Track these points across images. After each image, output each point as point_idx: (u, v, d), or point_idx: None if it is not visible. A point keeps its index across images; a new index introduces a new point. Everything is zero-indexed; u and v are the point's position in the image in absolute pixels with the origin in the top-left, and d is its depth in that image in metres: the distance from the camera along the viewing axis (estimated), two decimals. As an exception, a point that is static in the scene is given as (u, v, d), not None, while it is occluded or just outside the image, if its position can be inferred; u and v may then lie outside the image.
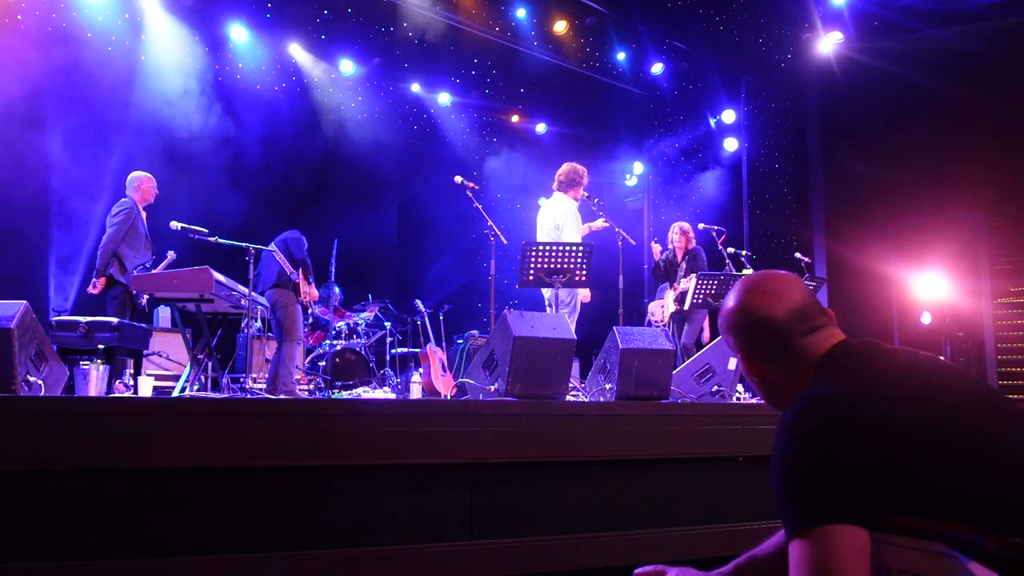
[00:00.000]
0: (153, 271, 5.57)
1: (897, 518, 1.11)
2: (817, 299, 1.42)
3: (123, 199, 6.04)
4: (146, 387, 4.22)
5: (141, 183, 6.12)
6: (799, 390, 1.34)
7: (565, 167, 6.14)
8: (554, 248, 5.21)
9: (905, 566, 1.11)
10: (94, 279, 5.76)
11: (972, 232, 8.61)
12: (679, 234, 7.11)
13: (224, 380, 5.19)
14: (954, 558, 1.06)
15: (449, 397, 5.99)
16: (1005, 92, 8.03)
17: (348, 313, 8.05)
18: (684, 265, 7.01)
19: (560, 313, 5.21)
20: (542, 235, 5.97)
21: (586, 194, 6.08)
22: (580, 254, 5.19)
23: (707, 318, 7.10)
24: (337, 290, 8.22)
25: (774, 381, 1.41)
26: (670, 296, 7.04)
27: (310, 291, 5.96)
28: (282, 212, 8.47)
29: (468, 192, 5.67)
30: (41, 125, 7.17)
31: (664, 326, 7.45)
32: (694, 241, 7.15)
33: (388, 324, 8.04)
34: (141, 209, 6.06)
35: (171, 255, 6.00)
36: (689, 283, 6.48)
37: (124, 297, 5.74)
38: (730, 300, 1.43)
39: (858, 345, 1.33)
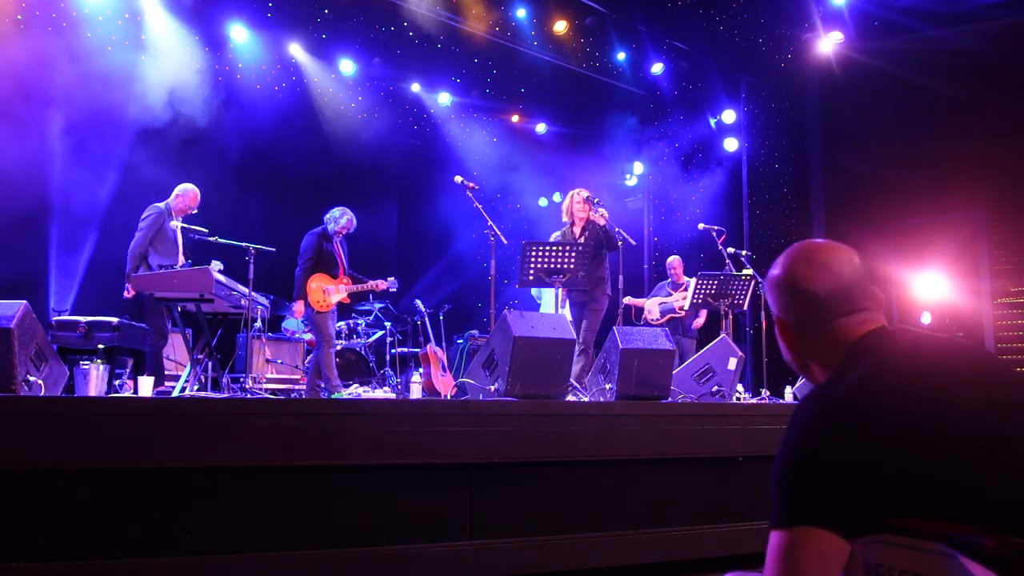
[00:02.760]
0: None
1: (897, 518, 1.11)
2: (867, 278, 1.38)
3: (156, 204, 5.87)
4: (146, 387, 4.21)
5: (185, 194, 5.91)
6: (823, 368, 1.36)
7: None
8: (554, 248, 5.21)
9: (905, 566, 1.11)
10: (126, 284, 5.66)
11: (972, 232, 8.61)
12: (582, 203, 5.93)
13: (224, 380, 5.19)
14: (954, 558, 1.05)
15: (449, 397, 5.99)
16: (1005, 92, 8.02)
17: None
18: (582, 240, 5.87)
19: (560, 314, 5.21)
20: None
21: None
22: (580, 254, 5.19)
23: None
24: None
25: (801, 352, 1.40)
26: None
27: (295, 308, 6.15)
28: (281, 212, 8.48)
29: (468, 192, 5.67)
30: (41, 125, 7.16)
31: (662, 325, 7.44)
32: (605, 217, 5.87)
33: (388, 324, 8.04)
34: (175, 215, 5.86)
35: (216, 265, 5.86)
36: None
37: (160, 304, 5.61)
38: (778, 262, 1.41)
39: (888, 334, 1.31)
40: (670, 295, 7.68)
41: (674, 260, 7.91)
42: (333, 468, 2.94)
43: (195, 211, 6.01)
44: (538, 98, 10.21)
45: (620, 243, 6.01)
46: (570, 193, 6.07)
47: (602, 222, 5.79)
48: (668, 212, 10.49)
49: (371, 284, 6.62)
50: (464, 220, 9.18)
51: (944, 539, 1.07)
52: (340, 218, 6.39)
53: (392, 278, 6.80)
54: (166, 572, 2.65)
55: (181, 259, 5.87)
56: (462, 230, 9.72)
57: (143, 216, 5.82)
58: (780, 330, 1.42)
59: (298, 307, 6.18)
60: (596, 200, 5.99)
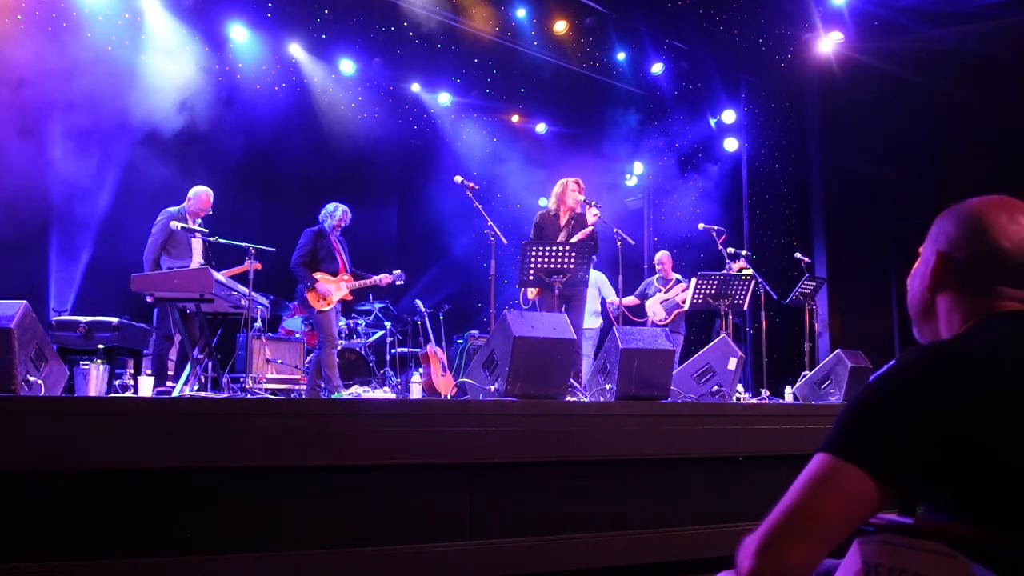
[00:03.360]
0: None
1: (935, 503, 1.10)
2: None
3: (168, 208, 5.85)
4: (146, 387, 4.21)
5: (197, 196, 5.93)
6: (948, 322, 1.25)
7: None
8: (554, 248, 5.21)
9: (906, 566, 1.11)
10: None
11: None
12: (576, 198, 5.68)
13: (224, 380, 5.19)
14: (956, 558, 1.05)
15: (449, 397, 5.99)
16: (1005, 92, 8.03)
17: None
18: (565, 233, 5.67)
19: (559, 314, 5.20)
20: None
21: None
22: (581, 254, 5.19)
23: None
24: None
25: (940, 294, 1.27)
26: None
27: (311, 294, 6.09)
28: (281, 211, 8.47)
29: (468, 192, 5.66)
30: (41, 125, 7.16)
31: (664, 326, 7.44)
32: (596, 216, 5.57)
33: (388, 324, 8.04)
34: (189, 218, 5.84)
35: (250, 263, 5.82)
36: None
37: (167, 306, 5.58)
38: (975, 200, 1.26)
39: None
40: (660, 291, 7.66)
41: (663, 255, 7.88)
42: (333, 468, 2.94)
43: (209, 212, 6.01)
44: (538, 98, 10.21)
45: (619, 243, 5.98)
46: (564, 181, 5.78)
47: (592, 220, 5.59)
48: (668, 212, 10.49)
49: (375, 279, 6.59)
50: (464, 220, 9.18)
51: (946, 539, 1.07)
52: (334, 212, 6.39)
53: (399, 271, 6.76)
54: (166, 572, 2.65)
55: (196, 261, 5.84)
56: (462, 230, 9.72)
57: (156, 221, 5.83)
58: (936, 263, 1.25)
59: (312, 295, 6.13)
60: (594, 202, 5.89)
